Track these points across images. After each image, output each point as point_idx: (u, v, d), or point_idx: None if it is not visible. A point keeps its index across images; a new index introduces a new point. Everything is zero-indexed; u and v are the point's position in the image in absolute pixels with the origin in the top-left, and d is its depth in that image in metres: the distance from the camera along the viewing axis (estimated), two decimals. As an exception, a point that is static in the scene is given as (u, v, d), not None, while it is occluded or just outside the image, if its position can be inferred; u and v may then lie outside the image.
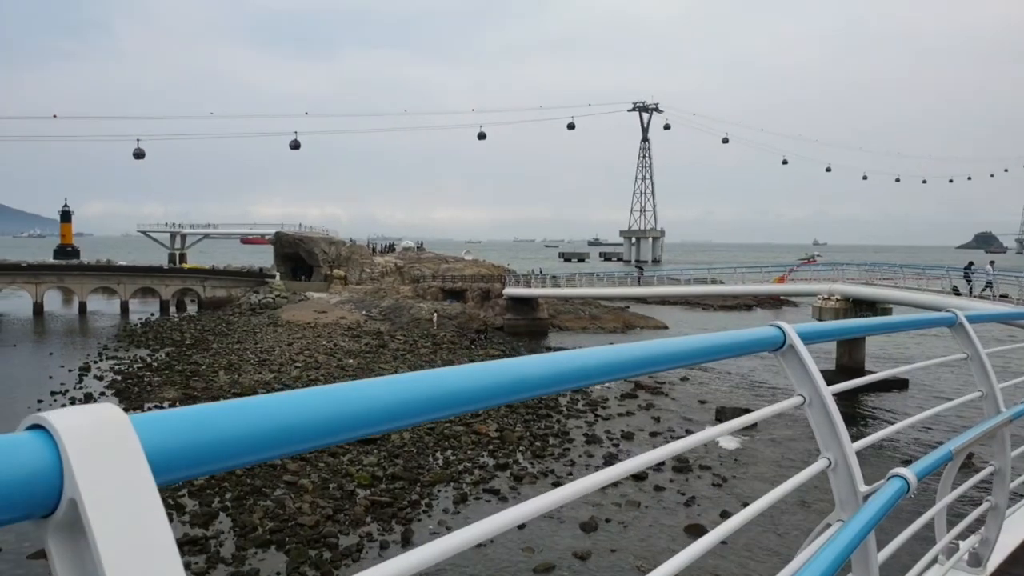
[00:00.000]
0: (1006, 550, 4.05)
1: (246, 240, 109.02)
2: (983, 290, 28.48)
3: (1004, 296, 27.85)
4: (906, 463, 2.32)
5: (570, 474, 19.68)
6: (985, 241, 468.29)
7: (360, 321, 45.89)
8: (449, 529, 15.58)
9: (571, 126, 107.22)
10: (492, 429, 22.80)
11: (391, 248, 73.97)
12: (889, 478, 2.16)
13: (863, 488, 2.16)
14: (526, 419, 24.54)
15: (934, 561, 3.41)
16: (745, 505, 1.89)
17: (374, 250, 69.34)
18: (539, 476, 19.34)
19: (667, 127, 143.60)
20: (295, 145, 71.81)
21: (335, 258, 59.99)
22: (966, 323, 3.55)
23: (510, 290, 49.34)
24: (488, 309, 50.59)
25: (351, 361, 34.86)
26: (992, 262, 32.64)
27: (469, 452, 21.01)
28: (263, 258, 70.26)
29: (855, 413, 26.35)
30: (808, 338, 2.27)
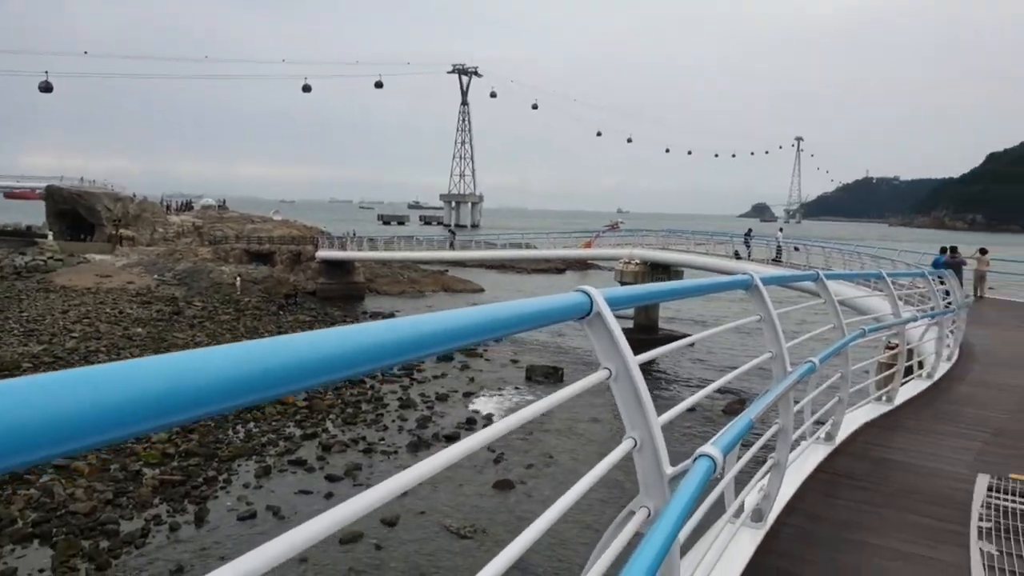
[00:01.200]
0: (783, 501, 4.26)
1: (11, 195, 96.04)
2: (775, 256, 31.19)
3: (776, 259, 30.79)
4: (706, 438, 2.22)
5: (382, 439, 19.35)
6: (760, 211, 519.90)
7: (151, 286, 42.09)
8: (249, 504, 14.76)
9: (379, 84, 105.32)
10: (300, 398, 21.85)
11: (188, 206, 68.48)
12: (696, 458, 2.01)
13: (669, 470, 2.01)
14: (338, 386, 23.78)
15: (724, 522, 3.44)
16: (563, 493, 1.69)
17: (168, 208, 63.81)
18: (350, 444, 18.81)
19: (493, 95, 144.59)
20: (46, 87, 64.14)
21: (121, 216, 54.30)
22: (761, 286, 3.55)
23: (324, 253, 47.52)
24: (299, 273, 48.43)
25: (140, 330, 31.86)
26: (781, 229, 35.94)
27: (274, 423, 19.98)
28: (32, 215, 62.24)
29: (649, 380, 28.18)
30: (617, 304, 2.06)
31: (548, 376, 24.97)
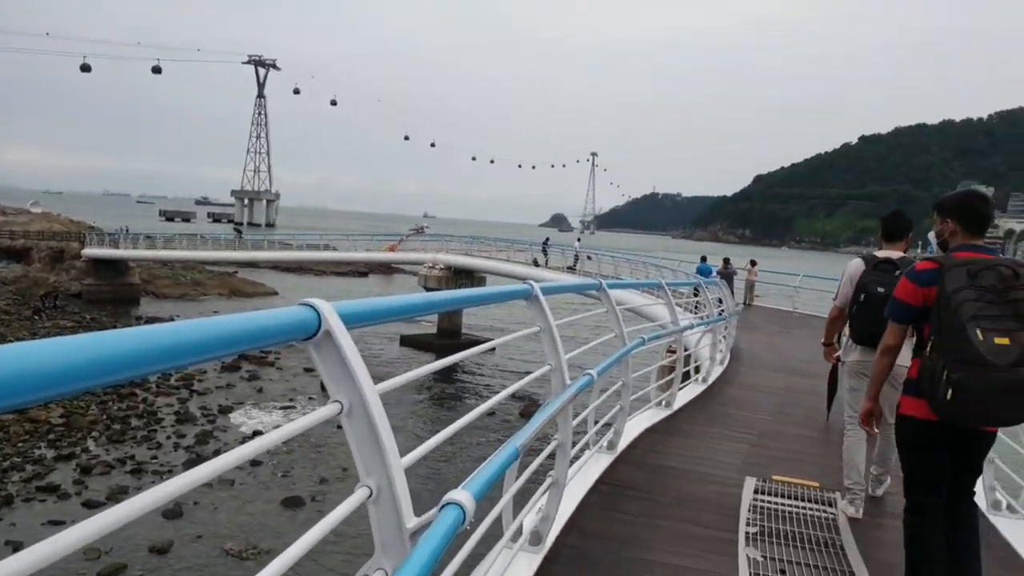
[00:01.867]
0: (563, 520, 4.07)
1: None
2: (574, 263, 32.41)
3: (571, 268, 32.12)
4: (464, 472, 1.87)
5: (154, 458, 17.51)
6: (559, 221, 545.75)
7: None
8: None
9: (157, 70, 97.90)
10: (56, 415, 19.26)
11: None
12: (443, 507, 1.67)
13: (410, 524, 1.67)
14: (103, 400, 21.29)
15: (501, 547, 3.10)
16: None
17: None
18: (115, 464, 16.82)
19: (296, 91, 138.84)
20: None
21: None
22: (540, 296, 3.29)
23: (91, 251, 42.61)
24: (62, 273, 43.12)
25: None
26: (579, 240, 37.50)
27: (19, 445, 17.40)
28: None
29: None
30: (356, 320, 1.65)
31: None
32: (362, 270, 61.52)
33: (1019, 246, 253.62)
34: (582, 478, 4.77)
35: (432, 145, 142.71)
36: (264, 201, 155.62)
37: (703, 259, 25.17)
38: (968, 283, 2.92)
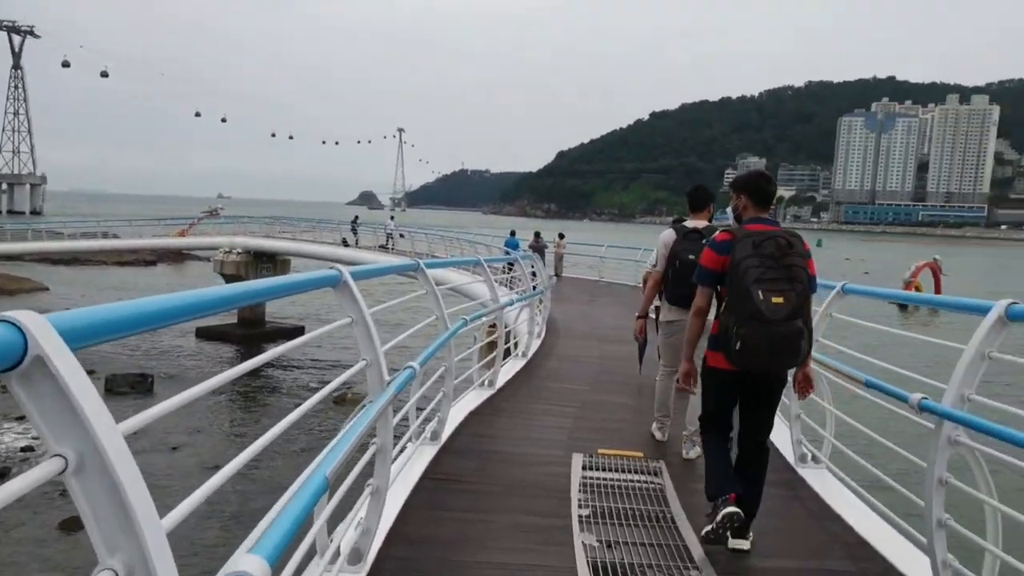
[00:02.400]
0: (385, 531, 3.62)
1: None
2: (387, 242, 31.45)
3: (384, 247, 31.32)
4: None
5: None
6: (368, 199, 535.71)
7: None
8: None
9: None
10: None
11: None
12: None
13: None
14: None
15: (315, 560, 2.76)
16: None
17: None
18: None
19: (66, 64, 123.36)
20: None
21: None
22: (351, 282, 2.89)
23: None
24: None
25: None
26: (392, 217, 36.35)
27: None
28: None
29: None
30: (86, 337, 1.18)
31: (135, 386, 21.72)
32: (150, 258, 56.28)
33: (788, 210, 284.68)
34: (405, 477, 4.40)
35: (223, 120, 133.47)
36: (27, 186, 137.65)
37: (512, 233, 25.62)
38: (753, 252, 3.46)
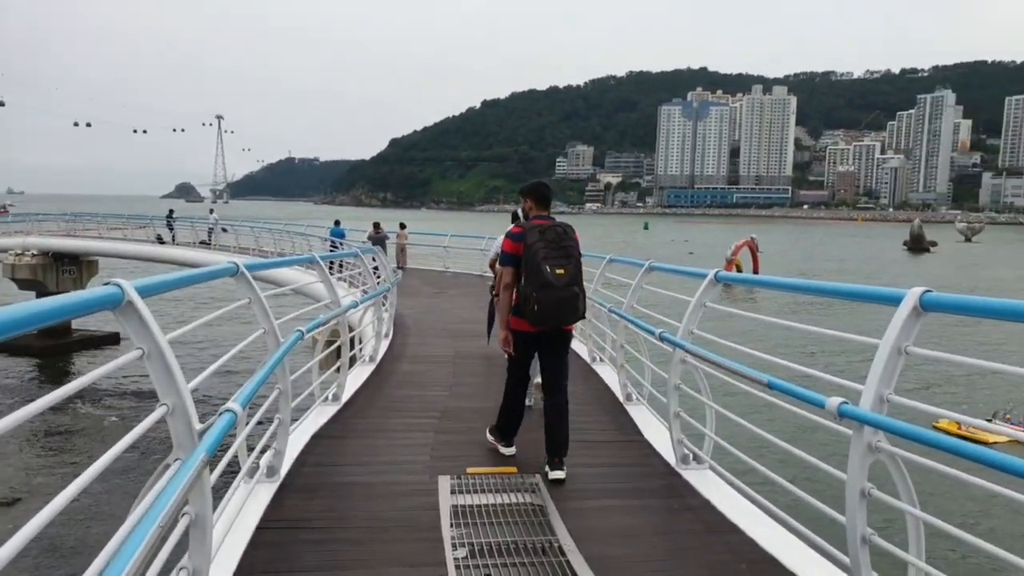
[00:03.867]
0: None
1: None
2: (208, 237, 28.91)
3: (205, 243, 28.85)
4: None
5: None
6: (186, 191, 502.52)
7: None
8: None
9: None
10: None
11: None
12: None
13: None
14: None
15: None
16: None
17: None
18: None
19: None
20: None
21: None
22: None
23: None
24: None
25: None
26: (212, 211, 33.28)
27: None
28: None
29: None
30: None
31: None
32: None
33: (616, 196, 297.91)
34: (235, 532, 3.54)
35: (1, 104, 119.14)
36: None
37: (336, 223, 24.63)
38: (540, 238, 4.66)
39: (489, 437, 5.28)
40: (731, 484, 4.43)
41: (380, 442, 5.40)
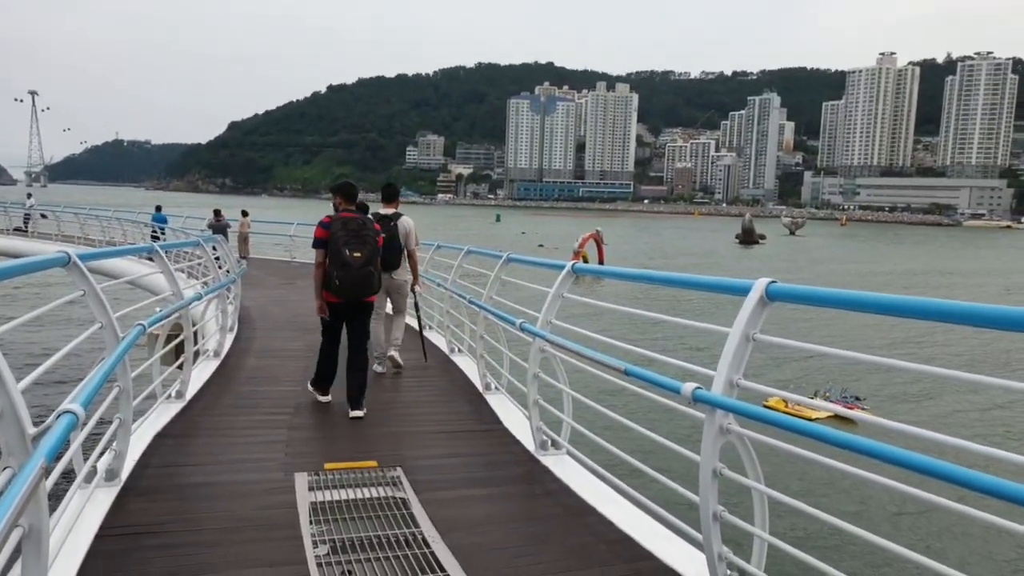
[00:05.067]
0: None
1: None
2: (24, 224, 26.35)
3: (21, 230, 26.24)
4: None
5: None
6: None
7: None
8: None
9: None
10: None
11: None
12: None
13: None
14: None
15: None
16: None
17: None
18: None
19: None
20: None
21: None
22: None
23: None
24: None
25: None
26: (30, 195, 30.08)
27: None
28: None
29: None
30: None
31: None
32: None
33: (468, 187, 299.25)
34: (72, 543, 3.24)
35: None
36: None
37: (158, 208, 23.57)
38: (343, 227, 5.83)
39: (310, 388, 6.36)
40: (589, 468, 4.59)
41: (229, 440, 5.14)
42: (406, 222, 7.52)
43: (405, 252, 7.49)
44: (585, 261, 41.36)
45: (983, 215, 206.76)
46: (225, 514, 3.83)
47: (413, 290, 7.77)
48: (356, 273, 5.74)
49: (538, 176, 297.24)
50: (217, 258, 10.60)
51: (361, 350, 6.05)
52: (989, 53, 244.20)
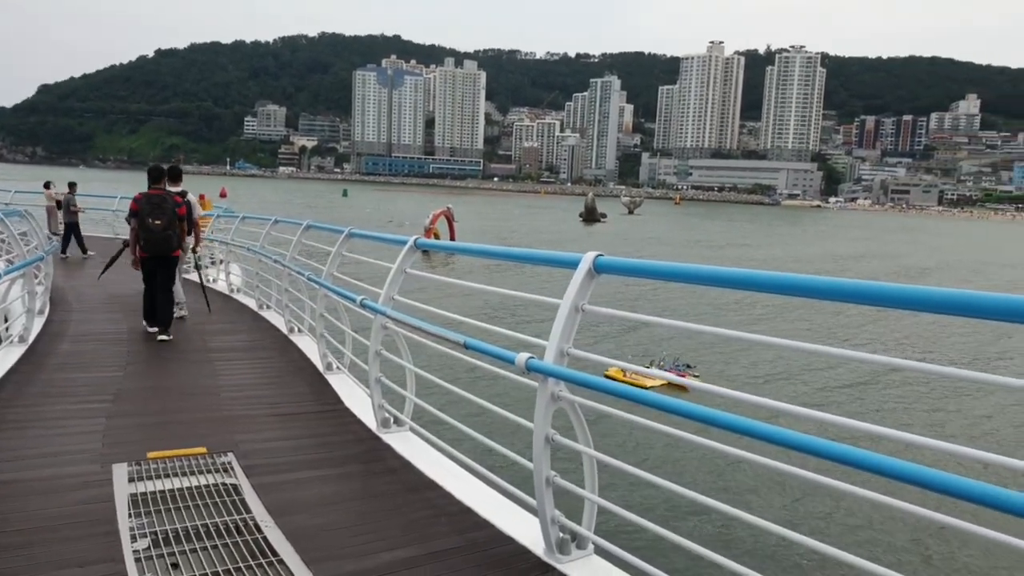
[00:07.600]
0: None
1: None
2: None
3: None
4: None
5: None
6: None
7: None
8: None
9: None
10: None
11: None
12: None
13: None
14: None
15: None
16: None
17: None
18: None
19: None
20: None
21: None
22: None
23: None
24: None
25: None
26: None
27: None
28: None
29: None
30: None
31: None
32: None
33: (312, 160, 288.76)
34: None
35: None
36: None
37: None
38: (148, 201, 7.83)
39: (144, 323, 8.23)
40: (431, 443, 4.59)
41: (38, 432, 4.68)
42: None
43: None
44: (436, 237, 41.30)
45: (798, 195, 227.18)
46: (32, 513, 3.49)
47: (194, 251, 10.30)
48: (156, 236, 7.79)
49: (387, 151, 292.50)
50: (24, 234, 9.60)
51: (165, 290, 8.06)
52: (802, 47, 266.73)
